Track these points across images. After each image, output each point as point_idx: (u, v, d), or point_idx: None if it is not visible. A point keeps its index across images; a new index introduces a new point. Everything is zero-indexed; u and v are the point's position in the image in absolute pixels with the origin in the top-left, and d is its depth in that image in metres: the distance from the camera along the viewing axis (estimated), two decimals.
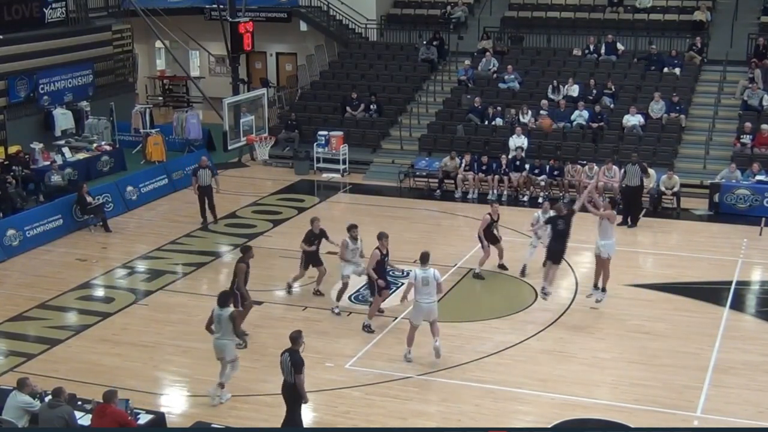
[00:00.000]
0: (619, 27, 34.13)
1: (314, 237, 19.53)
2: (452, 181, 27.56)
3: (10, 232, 22.92)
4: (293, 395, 13.80)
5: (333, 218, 24.75)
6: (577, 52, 33.12)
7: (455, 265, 21.46)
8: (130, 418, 13.29)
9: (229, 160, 31.14)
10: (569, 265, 21.33)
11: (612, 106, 30.11)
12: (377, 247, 18.10)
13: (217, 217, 25.04)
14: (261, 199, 27.29)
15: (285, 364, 13.71)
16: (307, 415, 14.99)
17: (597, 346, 17.50)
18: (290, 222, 25.21)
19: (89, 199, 24.45)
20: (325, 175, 29.86)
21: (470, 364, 16.67)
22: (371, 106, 31.98)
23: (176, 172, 28.71)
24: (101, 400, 13.01)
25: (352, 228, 18.94)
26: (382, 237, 18.22)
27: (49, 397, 13.29)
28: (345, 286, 19.18)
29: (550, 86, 30.82)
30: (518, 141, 27.69)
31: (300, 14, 36.92)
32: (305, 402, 13.89)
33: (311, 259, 19.64)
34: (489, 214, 20.73)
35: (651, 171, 25.62)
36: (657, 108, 29.15)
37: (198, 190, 24.69)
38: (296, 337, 13.81)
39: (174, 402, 15.64)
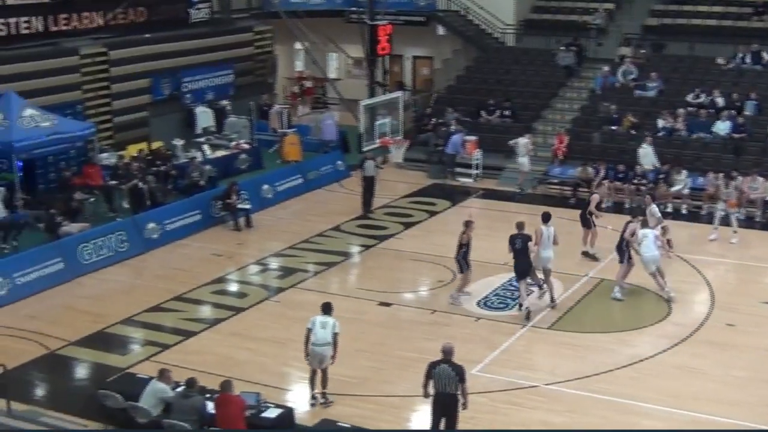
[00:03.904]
0: (765, 36, 33.01)
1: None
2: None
3: (151, 225, 23.65)
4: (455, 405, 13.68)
5: (460, 223, 24.69)
6: (720, 60, 32.19)
7: (586, 275, 21.14)
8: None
9: None
10: (704, 277, 20.82)
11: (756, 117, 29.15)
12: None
13: (372, 208, 26.30)
14: (393, 201, 27.45)
15: (445, 375, 13.50)
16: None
17: (732, 363, 17.00)
18: (421, 225, 25.29)
19: (234, 197, 24.98)
20: (460, 179, 29.75)
21: (598, 376, 16.41)
22: (505, 112, 31.74)
23: (311, 172, 29.14)
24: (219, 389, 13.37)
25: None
26: (470, 224, 19.40)
27: (183, 386, 13.70)
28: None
29: (691, 95, 30.04)
30: (647, 151, 26.99)
31: (438, 18, 36.96)
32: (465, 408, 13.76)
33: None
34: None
35: None
36: None
37: (363, 181, 26.06)
38: (451, 349, 13.69)
39: (302, 398, 15.79)
